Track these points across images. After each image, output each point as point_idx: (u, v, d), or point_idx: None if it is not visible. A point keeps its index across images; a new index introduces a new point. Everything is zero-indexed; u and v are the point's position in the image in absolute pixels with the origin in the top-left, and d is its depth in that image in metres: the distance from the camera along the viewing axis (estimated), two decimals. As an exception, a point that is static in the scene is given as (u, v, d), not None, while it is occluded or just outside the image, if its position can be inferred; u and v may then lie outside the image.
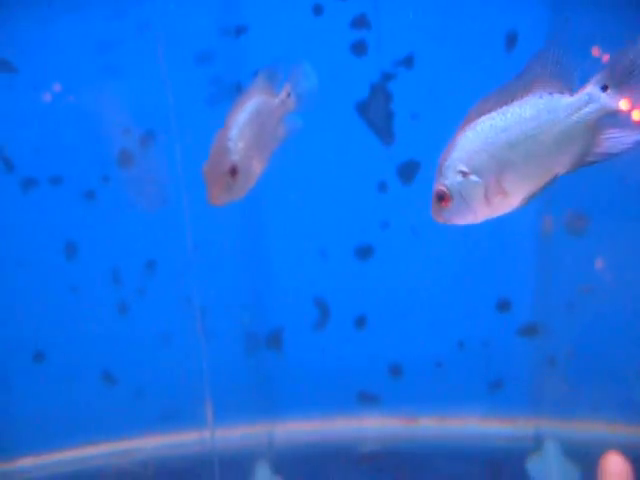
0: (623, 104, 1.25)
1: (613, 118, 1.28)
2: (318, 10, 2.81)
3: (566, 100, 1.31)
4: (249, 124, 1.65)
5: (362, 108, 2.91)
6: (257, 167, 1.67)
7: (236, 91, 2.84)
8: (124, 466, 3.11)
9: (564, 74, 1.30)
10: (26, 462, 3.12)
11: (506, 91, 1.33)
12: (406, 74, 2.86)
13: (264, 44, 2.81)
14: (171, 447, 3.15)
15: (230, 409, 3.09)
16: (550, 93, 1.31)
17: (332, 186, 2.99)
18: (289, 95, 1.75)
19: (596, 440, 2.95)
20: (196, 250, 2.96)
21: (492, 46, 2.77)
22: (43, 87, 2.92)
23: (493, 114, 1.32)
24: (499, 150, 1.32)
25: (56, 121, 2.94)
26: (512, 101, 1.32)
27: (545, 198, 2.80)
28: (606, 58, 1.31)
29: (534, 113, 1.31)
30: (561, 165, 1.33)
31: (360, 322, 3.14)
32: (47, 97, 2.93)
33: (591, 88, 1.30)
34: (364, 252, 3.07)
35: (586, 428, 3.02)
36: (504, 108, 1.32)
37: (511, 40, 2.76)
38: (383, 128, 2.91)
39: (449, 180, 1.34)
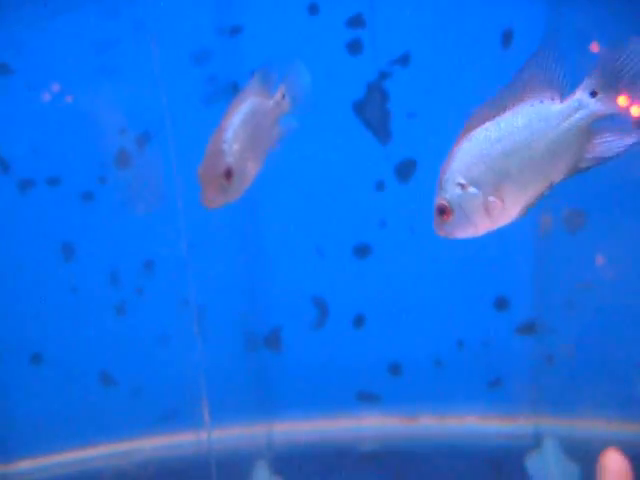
0: (618, 103, 1.25)
1: (605, 122, 1.28)
2: (314, 9, 2.81)
3: (556, 107, 1.31)
4: (244, 126, 1.65)
5: (358, 107, 2.90)
6: (252, 169, 1.67)
7: (232, 90, 2.84)
8: (123, 467, 3.11)
9: (554, 80, 1.30)
10: (25, 464, 3.12)
11: (499, 100, 1.33)
12: (402, 73, 2.86)
13: (260, 43, 2.81)
14: (170, 448, 3.15)
15: (229, 409, 3.09)
16: (541, 101, 1.31)
17: (329, 185, 2.98)
18: (284, 96, 1.74)
19: (596, 438, 2.95)
20: (193, 250, 2.96)
21: (488, 44, 2.77)
22: (39, 88, 2.92)
23: (487, 125, 1.33)
24: (495, 161, 1.32)
25: (53, 122, 2.94)
26: (505, 110, 1.32)
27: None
28: (599, 55, 1.31)
29: (526, 122, 1.31)
30: (557, 172, 1.33)
31: (359, 321, 3.13)
32: (43, 98, 2.92)
33: (580, 94, 1.30)
34: (362, 251, 3.07)
35: (585, 426, 3.01)
36: (497, 118, 1.32)
37: (507, 38, 2.76)
38: (380, 127, 2.91)
39: (449, 193, 1.35)
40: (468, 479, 2.96)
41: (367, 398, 3.18)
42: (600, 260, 2.96)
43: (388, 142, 2.93)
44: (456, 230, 1.38)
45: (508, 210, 1.36)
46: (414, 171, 2.94)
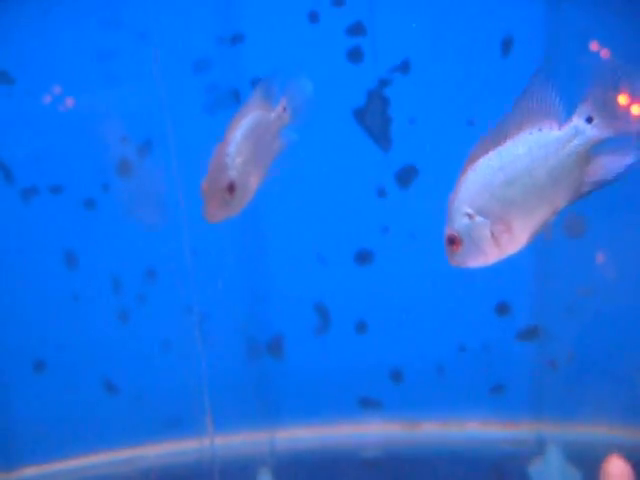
0: (615, 128, 1.26)
1: (603, 145, 1.29)
2: (314, 17, 2.82)
3: (554, 134, 1.33)
4: (246, 140, 1.66)
5: (359, 114, 2.91)
6: (254, 182, 1.68)
7: (233, 98, 2.85)
8: (126, 474, 3.12)
9: (551, 108, 1.32)
10: (28, 472, 3.12)
11: (500, 130, 1.35)
12: (402, 80, 2.86)
13: (260, 51, 2.82)
14: (173, 455, 3.15)
15: (232, 416, 3.10)
16: (540, 129, 1.32)
17: (331, 192, 2.99)
18: (285, 109, 1.75)
19: (598, 443, 2.95)
20: (196, 257, 2.96)
21: (488, 51, 2.77)
22: (42, 96, 2.93)
23: (490, 154, 1.35)
24: (498, 189, 1.35)
25: (56, 130, 2.95)
26: (506, 140, 1.34)
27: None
28: (604, 55, 1.32)
29: (526, 150, 1.33)
30: (560, 197, 1.36)
31: (361, 327, 3.14)
32: (46, 106, 2.93)
33: (576, 121, 1.32)
34: (364, 257, 3.07)
35: (588, 431, 3.01)
36: (498, 148, 1.34)
37: (507, 45, 2.76)
38: (380, 134, 2.92)
39: (457, 224, 1.38)
40: (470, 485, 2.97)
41: (369, 404, 3.18)
42: (601, 266, 2.96)
43: (389, 149, 2.94)
44: (467, 259, 1.41)
45: (516, 237, 1.39)
46: (415, 177, 2.94)
